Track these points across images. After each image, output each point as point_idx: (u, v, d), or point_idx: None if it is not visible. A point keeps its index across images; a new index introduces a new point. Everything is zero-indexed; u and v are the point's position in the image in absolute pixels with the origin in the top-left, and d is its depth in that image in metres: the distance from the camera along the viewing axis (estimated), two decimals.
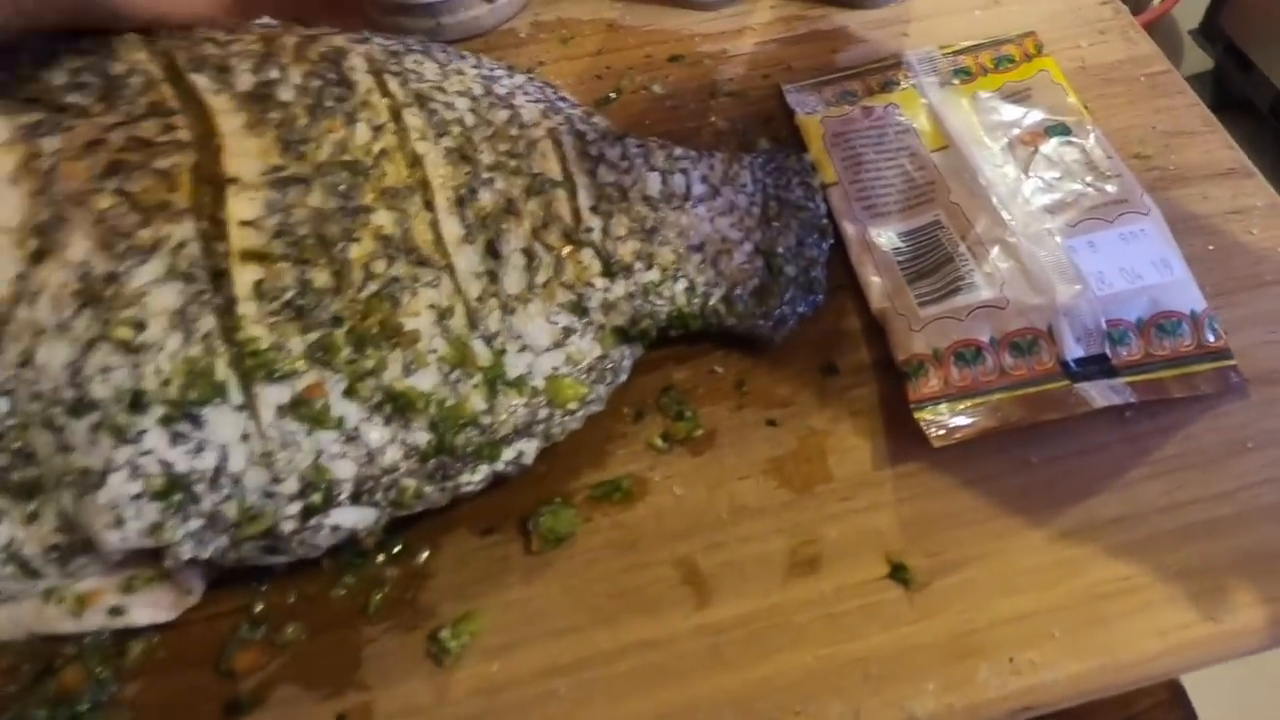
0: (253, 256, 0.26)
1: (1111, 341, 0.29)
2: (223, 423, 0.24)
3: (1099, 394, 0.28)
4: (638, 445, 0.29)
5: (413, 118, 0.31)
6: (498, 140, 0.32)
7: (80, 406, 0.24)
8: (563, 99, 0.36)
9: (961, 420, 0.28)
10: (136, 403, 0.24)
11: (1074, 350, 0.29)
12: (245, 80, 0.30)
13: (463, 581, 0.27)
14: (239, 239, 0.26)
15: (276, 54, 0.32)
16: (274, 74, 0.31)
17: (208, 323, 0.25)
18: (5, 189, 0.26)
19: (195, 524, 0.24)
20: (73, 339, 0.24)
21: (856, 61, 0.40)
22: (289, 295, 0.26)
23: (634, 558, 0.27)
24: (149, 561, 0.25)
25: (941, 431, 0.28)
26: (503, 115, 0.33)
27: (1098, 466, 0.28)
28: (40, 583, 0.25)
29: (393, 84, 0.32)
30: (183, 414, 0.24)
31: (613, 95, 0.39)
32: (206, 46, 0.32)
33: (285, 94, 0.30)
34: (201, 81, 0.30)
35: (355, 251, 0.27)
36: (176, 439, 0.24)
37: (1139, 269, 0.30)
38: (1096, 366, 0.29)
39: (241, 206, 0.27)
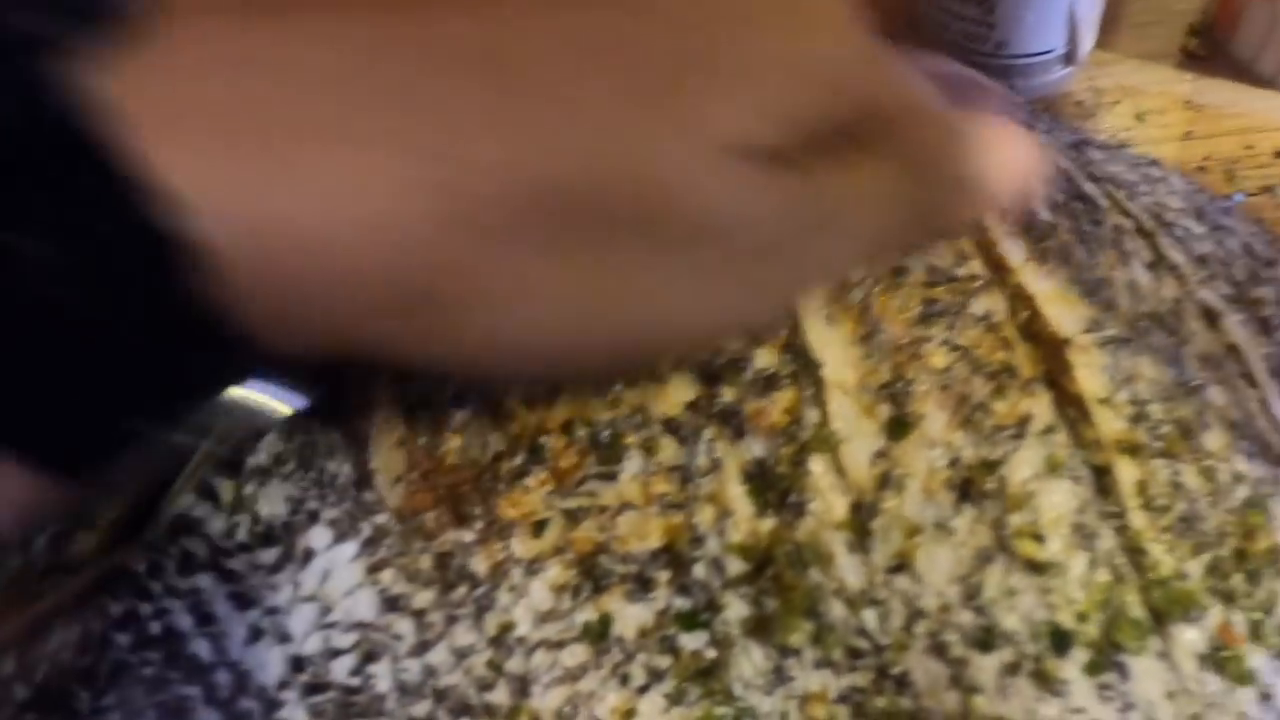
0: (1125, 448, 0.22)
1: None
2: (1148, 675, 0.20)
3: None
4: None
5: (1171, 250, 0.27)
6: (1257, 284, 0.27)
7: (986, 638, 0.20)
8: (1224, 203, 0.32)
9: None
10: (1059, 643, 0.20)
11: None
12: None
13: None
14: (1105, 423, 0.22)
15: None
16: None
17: (1107, 539, 0.21)
18: (822, 327, 0.22)
19: None
20: (958, 545, 0.20)
21: None
22: (1169, 501, 0.22)
23: None
24: None
25: None
26: (1234, 244, 0.28)
27: None
28: None
29: (1120, 196, 0.28)
30: (1108, 661, 0.20)
31: (1238, 198, 0.35)
32: None
33: (1042, 210, 0.26)
34: None
35: (1213, 443, 0.23)
36: (1104, 694, 0.20)
37: None
38: None
39: (1090, 378, 0.22)
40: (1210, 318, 0.25)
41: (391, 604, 0.19)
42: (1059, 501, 0.21)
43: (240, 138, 0.12)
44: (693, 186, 0.15)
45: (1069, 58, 0.37)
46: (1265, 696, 0.21)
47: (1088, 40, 0.37)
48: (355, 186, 0.13)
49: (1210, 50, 0.40)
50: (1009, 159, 0.20)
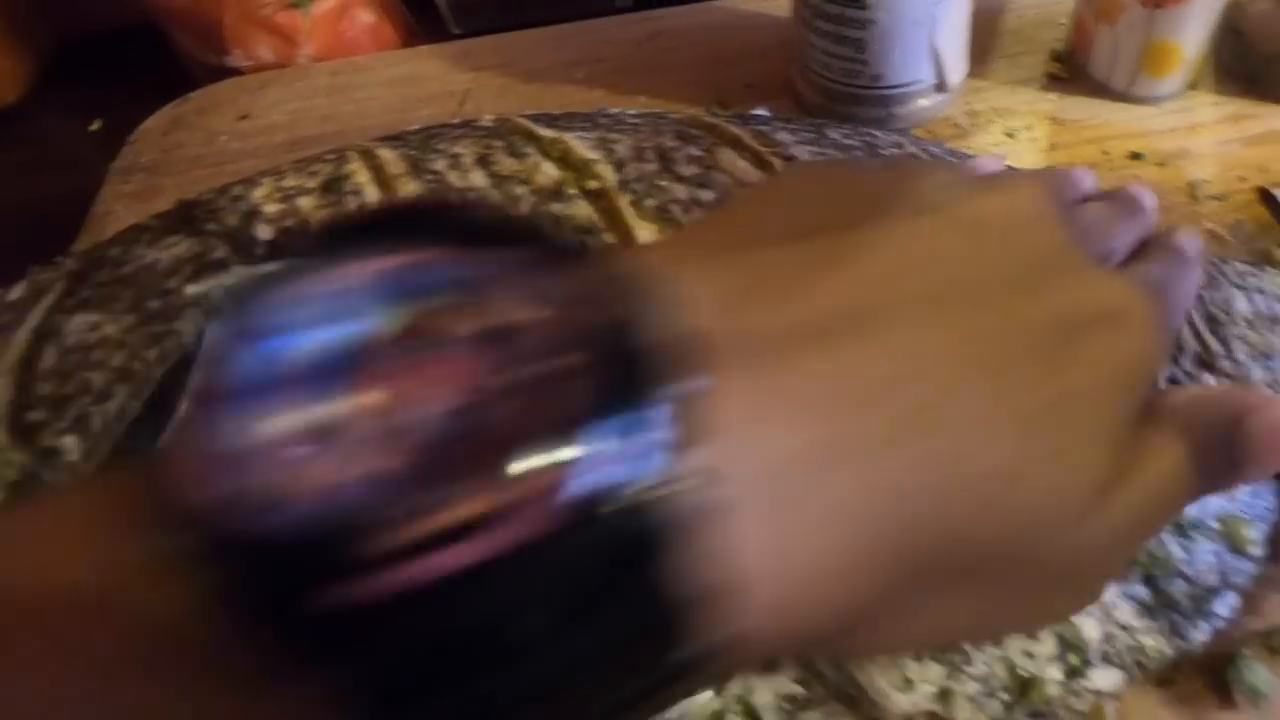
0: None
1: None
2: None
3: None
4: None
5: None
6: None
7: None
8: None
9: None
10: None
11: None
12: None
13: None
14: None
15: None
16: None
17: None
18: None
19: (973, 688, 0.23)
20: None
21: None
22: None
23: None
24: None
25: None
26: None
27: None
28: None
29: None
30: None
31: None
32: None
33: None
34: None
35: None
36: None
37: None
38: None
39: None
40: None
41: None
42: None
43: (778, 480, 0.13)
44: (1081, 533, 0.16)
45: (940, 86, 0.42)
46: None
47: (956, 70, 0.43)
48: (831, 521, 0.14)
49: (1071, 73, 0.45)
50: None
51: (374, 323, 0.12)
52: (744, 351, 0.14)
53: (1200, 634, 0.26)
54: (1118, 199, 0.23)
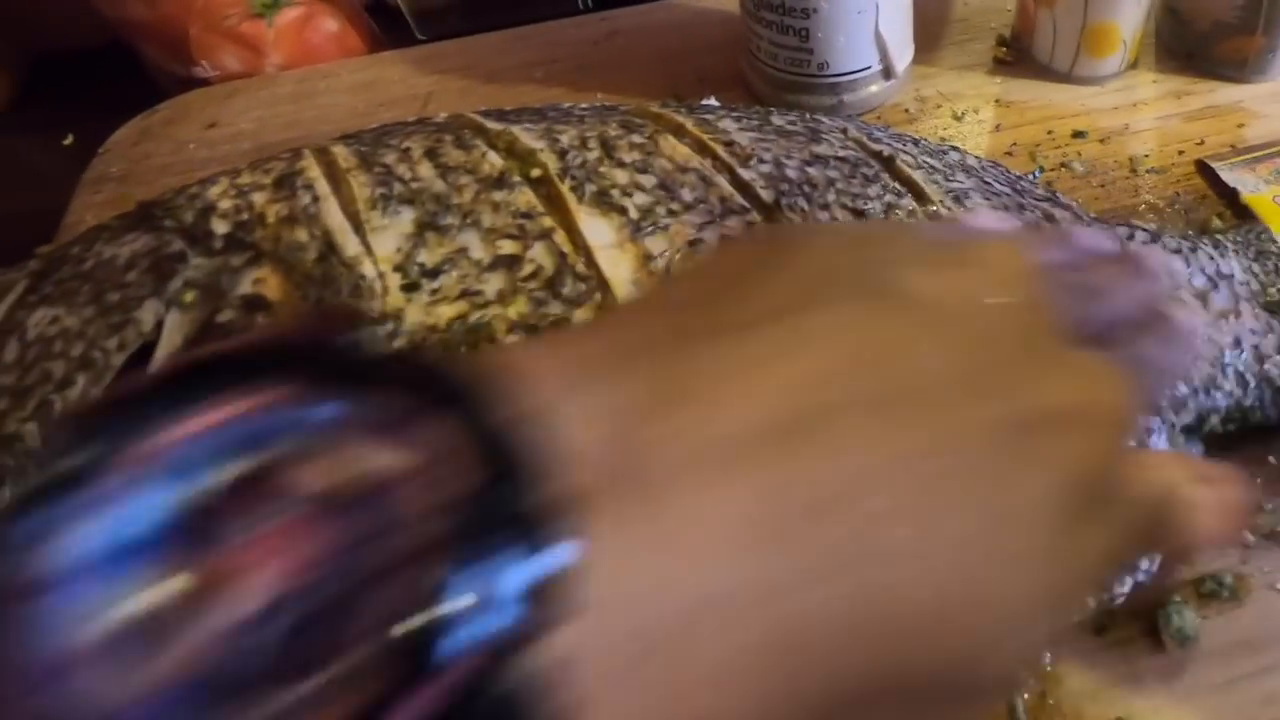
0: None
1: None
2: None
3: None
4: None
5: (944, 199, 0.32)
6: (1021, 211, 0.33)
7: None
8: (1024, 181, 0.38)
9: None
10: None
11: None
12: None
13: (1097, 685, 0.27)
14: None
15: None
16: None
17: None
18: (631, 293, 0.27)
19: None
20: None
21: (1269, 137, 0.41)
22: None
23: (1264, 660, 0.27)
24: None
25: None
26: (1006, 196, 0.34)
27: None
28: None
29: (900, 158, 0.34)
30: None
31: (1036, 174, 0.41)
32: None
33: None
34: (747, 175, 0.31)
35: None
36: None
37: None
38: None
39: None
40: None
41: None
42: None
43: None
44: (1006, 654, 0.15)
45: (887, 73, 0.44)
46: None
47: (903, 57, 0.44)
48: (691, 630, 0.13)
49: (1017, 57, 0.47)
50: (1218, 504, 0.18)
51: (201, 485, 0.10)
52: (640, 487, 0.13)
53: (1123, 587, 0.27)
54: (1119, 260, 0.22)
